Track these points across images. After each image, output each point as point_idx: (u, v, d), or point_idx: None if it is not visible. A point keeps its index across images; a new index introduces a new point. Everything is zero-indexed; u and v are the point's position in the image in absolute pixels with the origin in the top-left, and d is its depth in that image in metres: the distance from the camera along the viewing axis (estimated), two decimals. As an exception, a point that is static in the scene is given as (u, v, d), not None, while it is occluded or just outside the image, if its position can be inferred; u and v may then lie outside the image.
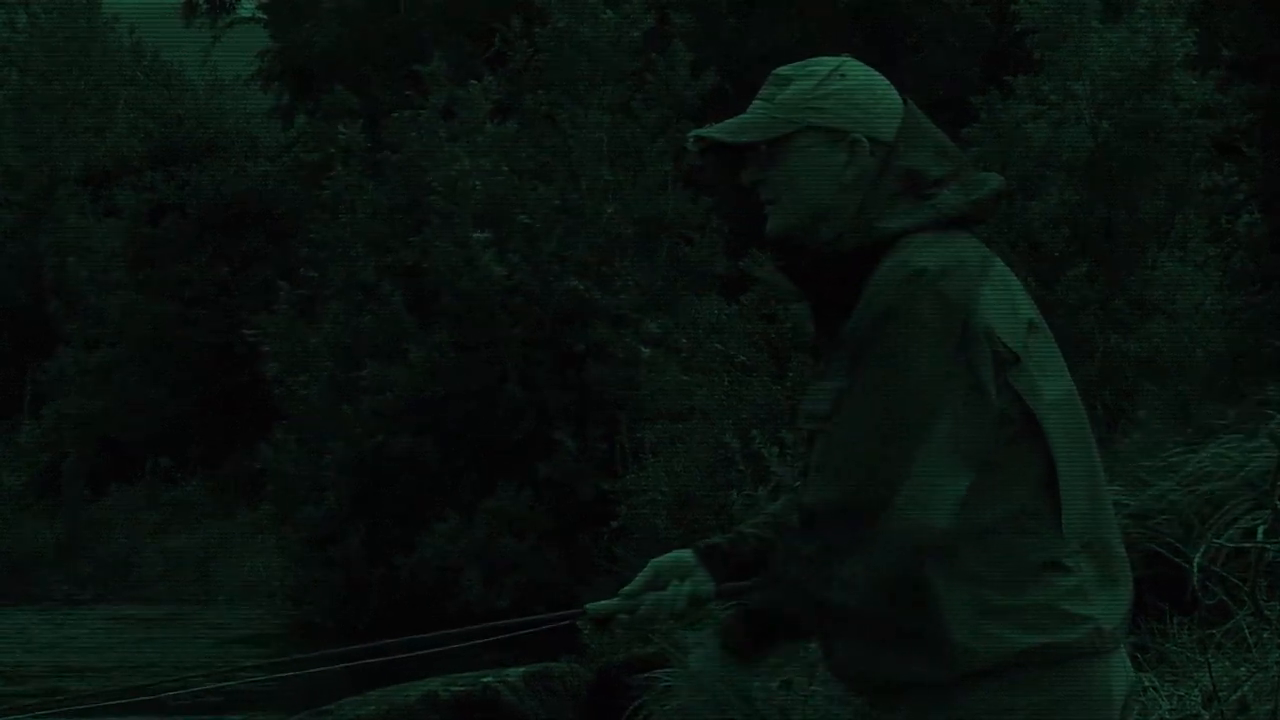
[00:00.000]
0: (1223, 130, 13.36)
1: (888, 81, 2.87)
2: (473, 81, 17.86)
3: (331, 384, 17.41)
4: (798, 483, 2.90)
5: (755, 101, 2.84)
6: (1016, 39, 15.24)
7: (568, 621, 2.99)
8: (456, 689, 9.98)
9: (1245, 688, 5.35)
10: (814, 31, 19.23)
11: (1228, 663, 5.72)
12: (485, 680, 10.07)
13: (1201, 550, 6.10)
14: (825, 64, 2.84)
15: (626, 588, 2.98)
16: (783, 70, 2.85)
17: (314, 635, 16.98)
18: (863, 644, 2.72)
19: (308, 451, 17.55)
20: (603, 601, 3.01)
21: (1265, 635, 5.72)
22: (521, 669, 10.22)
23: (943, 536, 2.61)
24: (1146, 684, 5.80)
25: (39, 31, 32.73)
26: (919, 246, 2.69)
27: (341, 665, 3.05)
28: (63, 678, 14.75)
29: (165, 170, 25.73)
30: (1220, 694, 5.30)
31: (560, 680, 10.23)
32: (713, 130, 2.85)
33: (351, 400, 16.96)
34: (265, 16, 26.30)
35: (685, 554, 2.99)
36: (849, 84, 2.81)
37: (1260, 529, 5.97)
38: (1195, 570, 6.10)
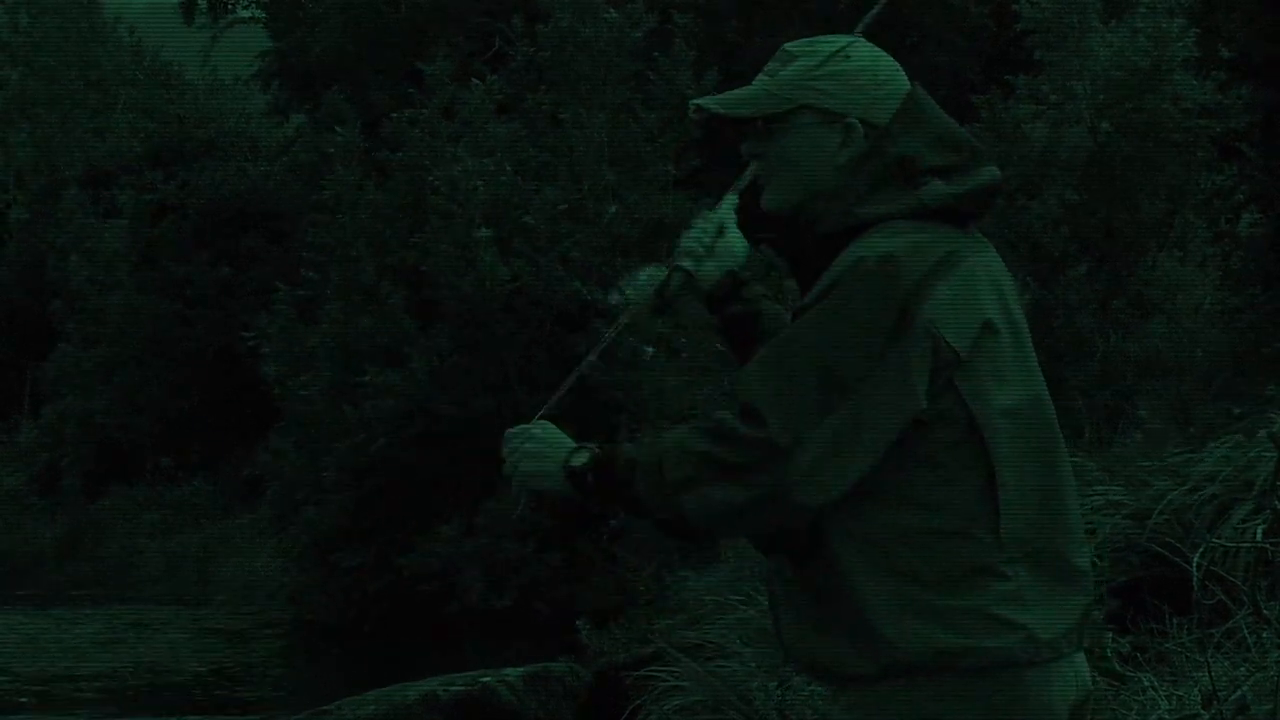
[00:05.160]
0: (1223, 131, 13.36)
1: (896, 65, 2.86)
2: (475, 81, 17.84)
3: (332, 386, 17.38)
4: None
5: (759, 76, 2.86)
6: (1016, 39, 15.25)
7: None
8: (456, 689, 9.93)
9: (1244, 688, 5.35)
10: (816, 32, 19.21)
11: (1227, 663, 5.71)
12: (484, 680, 10.03)
13: (1201, 550, 6.10)
14: (832, 43, 2.87)
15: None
16: (790, 46, 2.89)
17: (315, 637, 16.98)
18: (801, 625, 2.72)
19: (308, 454, 17.52)
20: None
21: (1265, 635, 5.72)
22: (521, 669, 10.20)
23: (815, 511, 2.60)
24: (1146, 684, 5.81)
25: (40, 32, 32.80)
26: (884, 234, 2.67)
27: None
28: (61, 678, 14.74)
29: (165, 170, 25.74)
30: (1219, 694, 5.30)
31: (560, 680, 10.21)
32: (711, 101, 2.86)
33: (352, 402, 16.93)
34: (265, 17, 26.31)
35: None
36: (851, 65, 2.82)
37: (1260, 529, 5.97)
38: (1195, 570, 6.09)
